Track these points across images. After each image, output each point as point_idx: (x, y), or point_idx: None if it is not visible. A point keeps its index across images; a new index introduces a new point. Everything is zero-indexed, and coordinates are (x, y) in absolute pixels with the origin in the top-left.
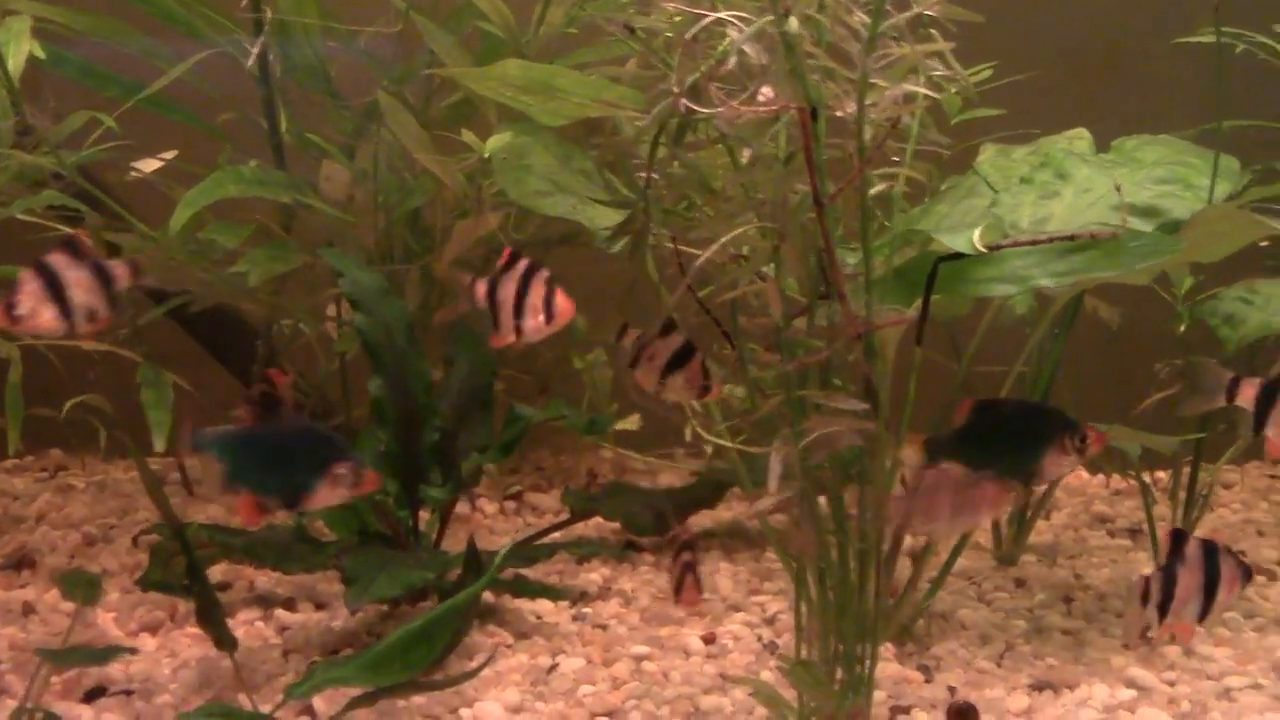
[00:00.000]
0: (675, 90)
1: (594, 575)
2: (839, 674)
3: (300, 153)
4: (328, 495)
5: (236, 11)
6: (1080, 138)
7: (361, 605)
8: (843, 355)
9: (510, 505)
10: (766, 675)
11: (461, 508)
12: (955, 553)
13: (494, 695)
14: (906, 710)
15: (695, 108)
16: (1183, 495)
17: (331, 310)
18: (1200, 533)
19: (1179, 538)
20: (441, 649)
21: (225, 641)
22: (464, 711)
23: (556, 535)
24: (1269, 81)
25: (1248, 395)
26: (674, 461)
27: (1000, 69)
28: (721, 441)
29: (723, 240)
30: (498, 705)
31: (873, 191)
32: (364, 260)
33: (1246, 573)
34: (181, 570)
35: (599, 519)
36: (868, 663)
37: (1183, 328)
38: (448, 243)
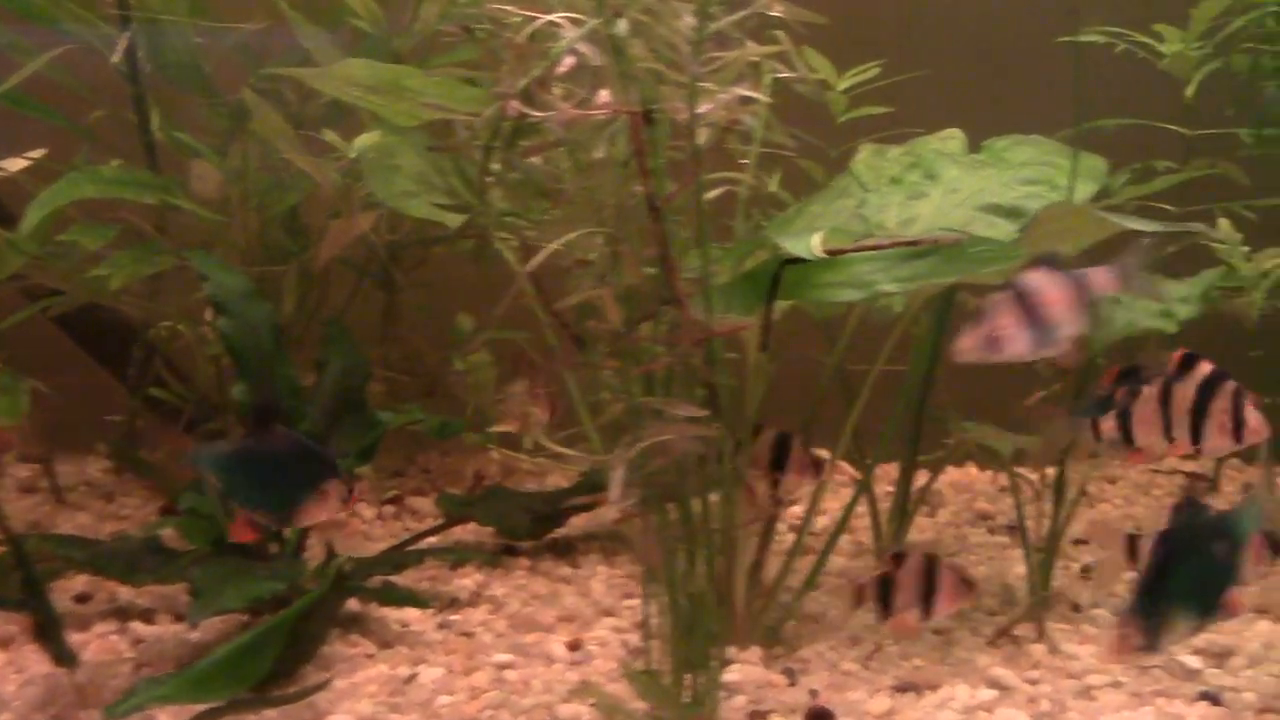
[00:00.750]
0: (507, 93)
1: (467, 581)
2: (689, 681)
3: (176, 152)
4: (317, 511)
5: (102, 6)
6: (952, 138)
7: (205, 618)
8: (685, 361)
9: (390, 510)
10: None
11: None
12: (825, 553)
13: (347, 707)
14: (764, 715)
15: (528, 111)
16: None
17: (210, 313)
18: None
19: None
20: (273, 662)
21: (64, 658)
22: None
23: (433, 540)
24: (1154, 81)
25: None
26: (563, 462)
27: (897, 68)
28: (561, 449)
29: (553, 245)
30: (350, 718)
31: (711, 195)
32: (240, 261)
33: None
34: (19, 584)
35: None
36: (714, 669)
37: None
38: (323, 243)
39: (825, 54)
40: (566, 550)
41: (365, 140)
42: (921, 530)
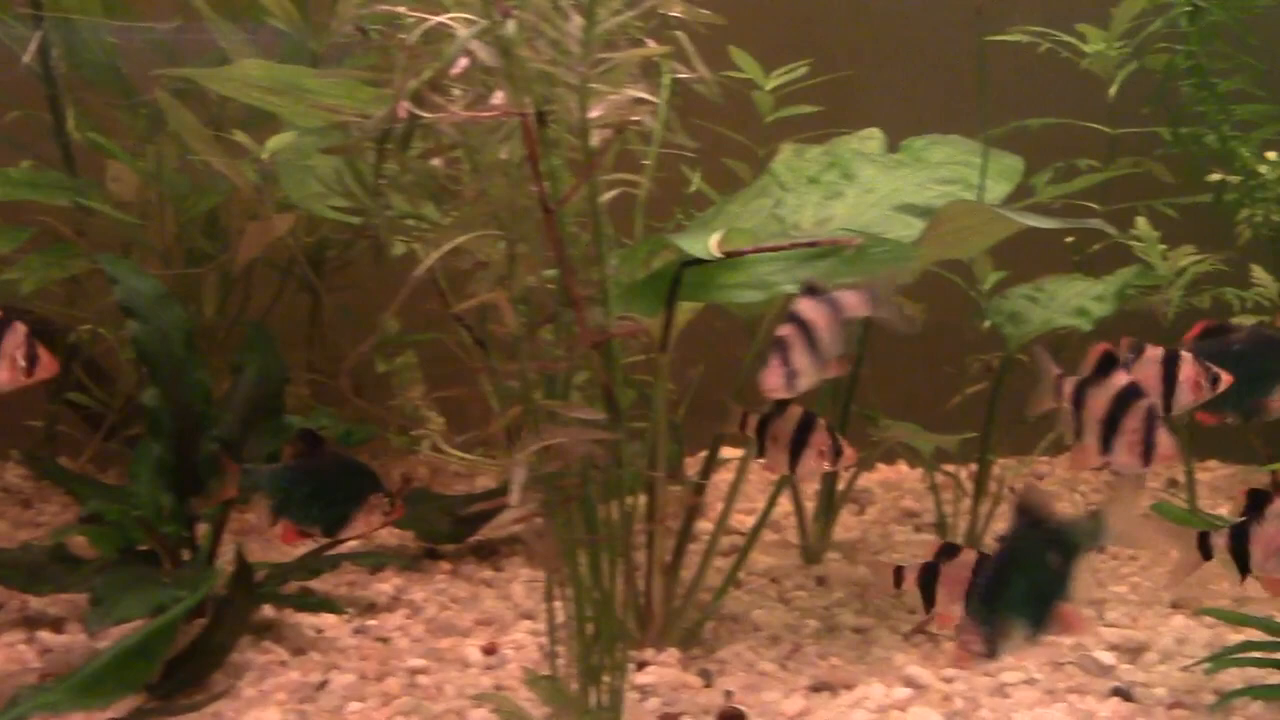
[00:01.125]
0: (397, 95)
1: (385, 586)
2: (597, 685)
3: (93, 153)
4: (364, 523)
5: (15, 4)
6: (872, 137)
7: (105, 628)
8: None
9: None
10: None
11: (259, 520)
12: (742, 555)
13: (254, 715)
14: (676, 717)
15: (418, 112)
16: (993, 488)
17: None
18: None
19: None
20: (180, 670)
21: None
22: None
23: (353, 544)
24: (1087, 82)
25: (1066, 394)
26: (492, 462)
27: (825, 67)
28: (463, 455)
29: (446, 247)
30: None
31: (607, 197)
32: (158, 263)
33: None
34: None
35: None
36: (619, 672)
37: (987, 324)
38: (241, 245)
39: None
40: (490, 553)
41: (278, 141)
42: (848, 529)
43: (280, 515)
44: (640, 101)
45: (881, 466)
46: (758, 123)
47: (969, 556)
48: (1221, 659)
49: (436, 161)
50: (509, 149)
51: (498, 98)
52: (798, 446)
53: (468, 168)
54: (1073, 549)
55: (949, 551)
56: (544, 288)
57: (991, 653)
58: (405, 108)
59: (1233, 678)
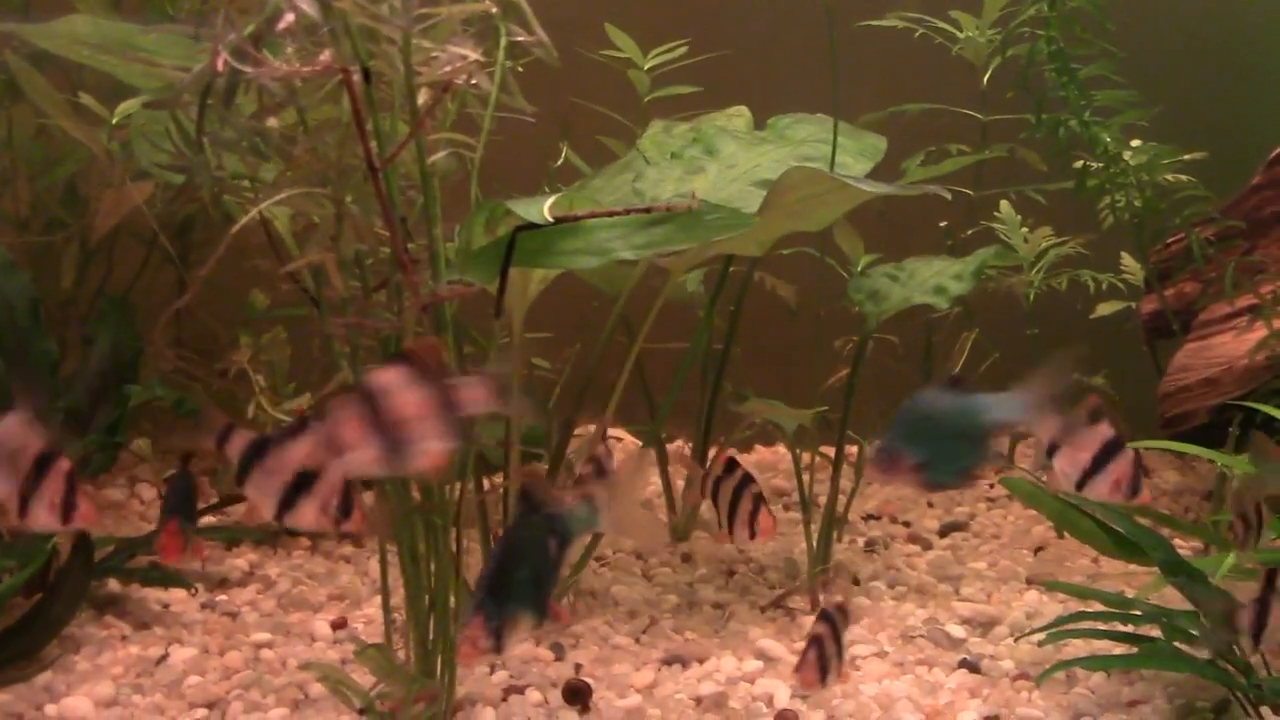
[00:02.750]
0: (215, 48)
1: (240, 561)
2: (433, 657)
3: None
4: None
5: None
6: (739, 115)
7: None
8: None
9: None
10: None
11: (116, 493)
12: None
13: (87, 690)
14: (521, 690)
15: (239, 67)
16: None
17: None
18: (870, 504)
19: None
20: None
21: None
22: (49, 708)
23: (210, 519)
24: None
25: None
26: None
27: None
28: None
29: (264, 205)
30: (87, 700)
31: (435, 158)
32: (12, 232)
33: None
34: None
35: None
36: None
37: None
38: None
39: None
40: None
41: (129, 105)
42: None
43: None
44: (468, 60)
45: (760, 448)
46: (651, 104)
47: None
48: (1057, 632)
49: (272, 122)
50: (337, 107)
51: (326, 55)
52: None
53: (299, 127)
54: (565, 535)
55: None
56: (375, 250)
57: (499, 646)
58: (224, 61)
59: (1079, 650)
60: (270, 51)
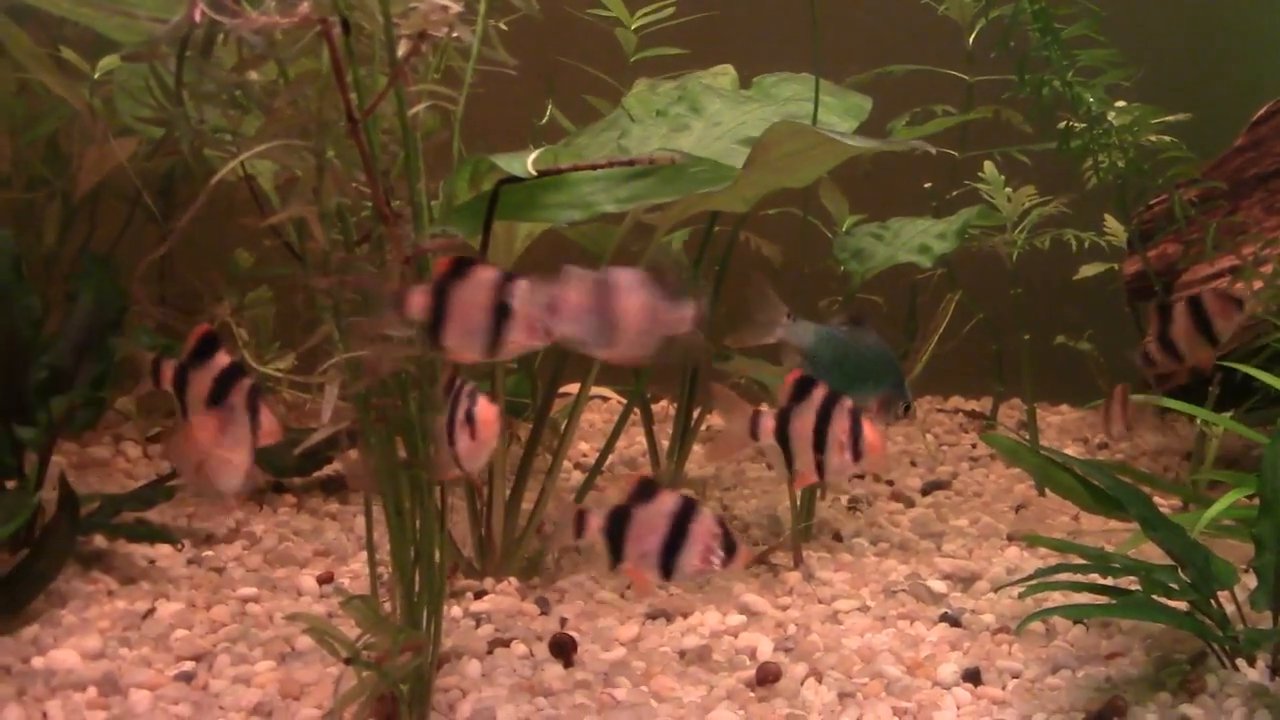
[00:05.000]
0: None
1: (227, 518)
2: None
3: None
4: None
5: None
6: (724, 73)
7: None
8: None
9: (156, 448)
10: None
11: (101, 450)
12: (584, 486)
13: (74, 643)
14: (507, 643)
15: (216, 17)
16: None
17: None
18: None
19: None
20: None
21: None
22: (36, 660)
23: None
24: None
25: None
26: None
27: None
28: (271, 370)
29: (243, 155)
30: (74, 653)
31: (416, 109)
32: None
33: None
34: None
35: None
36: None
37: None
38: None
39: None
40: (338, 487)
41: (111, 61)
42: (702, 465)
43: None
44: (448, 11)
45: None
46: (637, 63)
47: (667, 502)
48: (1036, 584)
49: (253, 75)
50: (319, 60)
51: (305, 6)
52: None
53: (279, 80)
54: None
55: (645, 493)
56: (357, 203)
57: None
58: (201, 10)
59: (1058, 604)
60: (249, 3)
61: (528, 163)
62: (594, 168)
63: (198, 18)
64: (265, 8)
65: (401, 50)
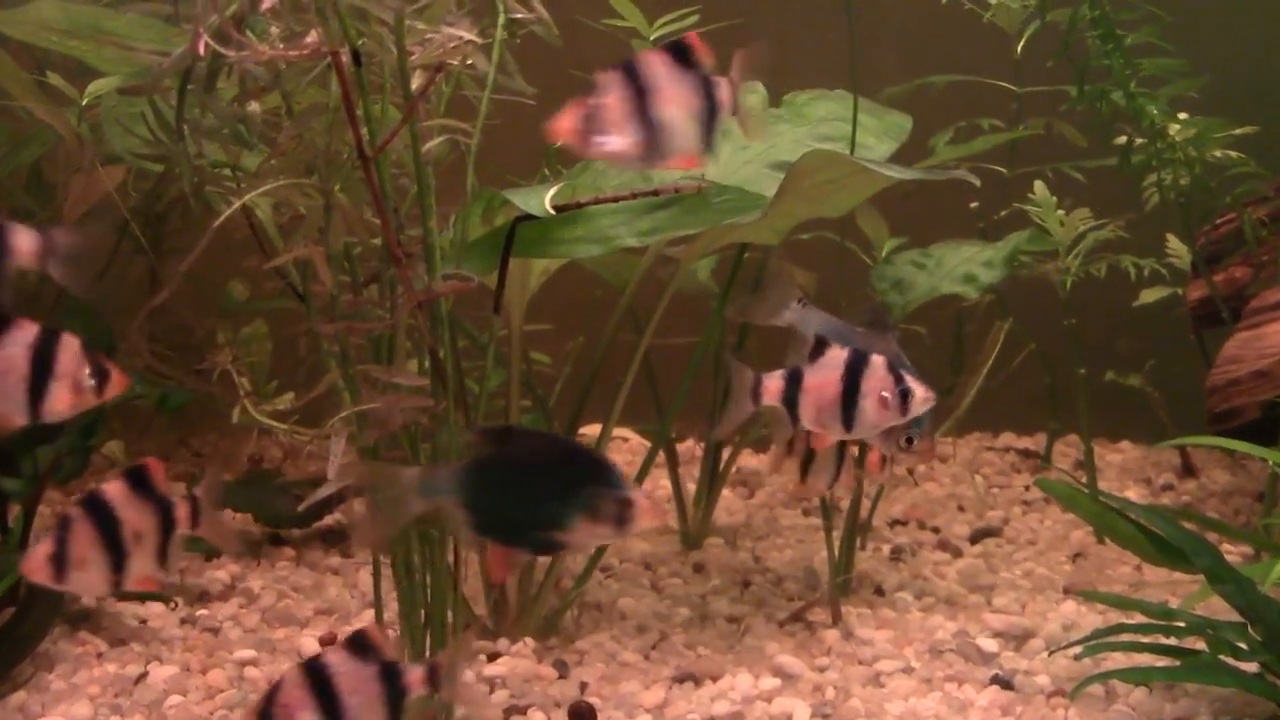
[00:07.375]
0: (196, 30)
1: (221, 573)
2: None
3: None
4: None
5: None
6: (753, 91)
7: None
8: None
9: None
10: None
11: None
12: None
13: (63, 710)
14: (524, 710)
15: (221, 50)
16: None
17: None
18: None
19: None
20: None
21: None
22: None
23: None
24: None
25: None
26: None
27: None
28: (271, 423)
29: (249, 195)
30: None
31: (430, 145)
32: None
33: None
34: None
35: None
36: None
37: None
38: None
39: None
40: (339, 539)
41: (99, 86)
42: (732, 512)
43: None
44: (463, 41)
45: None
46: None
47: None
48: (1094, 645)
49: (254, 107)
50: (327, 92)
51: (313, 37)
52: None
53: (284, 113)
54: None
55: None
56: (366, 243)
57: None
58: (205, 44)
59: (1119, 664)
60: (253, 33)
61: (545, 199)
62: (616, 200)
63: (202, 50)
64: (270, 38)
65: (416, 83)
